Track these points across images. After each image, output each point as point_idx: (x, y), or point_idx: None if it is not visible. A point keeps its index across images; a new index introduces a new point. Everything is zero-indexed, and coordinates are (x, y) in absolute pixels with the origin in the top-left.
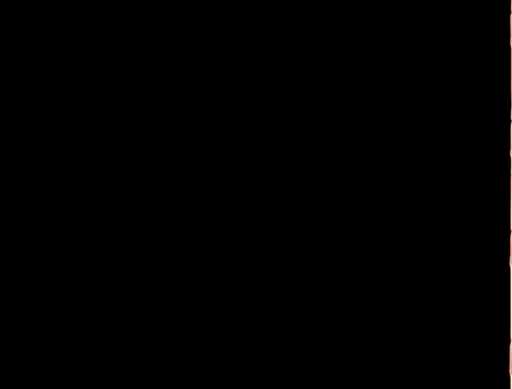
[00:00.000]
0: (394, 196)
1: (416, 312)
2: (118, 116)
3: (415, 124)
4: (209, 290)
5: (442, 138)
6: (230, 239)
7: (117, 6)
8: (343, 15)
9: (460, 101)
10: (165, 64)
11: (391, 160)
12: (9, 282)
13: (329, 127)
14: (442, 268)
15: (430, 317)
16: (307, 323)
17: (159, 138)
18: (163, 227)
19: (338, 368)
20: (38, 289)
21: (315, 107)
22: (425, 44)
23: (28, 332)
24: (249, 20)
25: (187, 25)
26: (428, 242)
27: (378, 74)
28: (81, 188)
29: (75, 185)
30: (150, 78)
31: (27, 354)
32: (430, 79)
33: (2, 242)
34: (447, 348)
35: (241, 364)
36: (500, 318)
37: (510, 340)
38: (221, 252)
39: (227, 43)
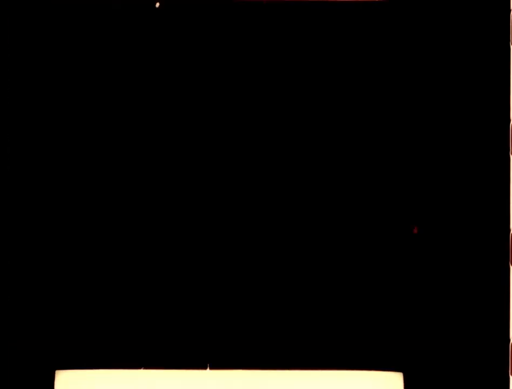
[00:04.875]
0: (392, 196)
1: (415, 312)
2: (114, 115)
3: (413, 124)
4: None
5: (441, 137)
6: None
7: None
8: (343, 14)
9: (460, 101)
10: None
11: (389, 159)
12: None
13: (325, 125)
14: (441, 268)
15: (429, 317)
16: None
17: (155, 138)
18: (160, 225)
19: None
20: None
21: (315, 106)
22: (424, 44)
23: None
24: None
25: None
26: (427, 241)
27: (377, 73)
28: (79, 188)
29: (70, 184)
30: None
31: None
32: (429, 79)
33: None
34: (446, 347)
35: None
36: (500, 318)
37: (510, 340)
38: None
39: (218, 43)
